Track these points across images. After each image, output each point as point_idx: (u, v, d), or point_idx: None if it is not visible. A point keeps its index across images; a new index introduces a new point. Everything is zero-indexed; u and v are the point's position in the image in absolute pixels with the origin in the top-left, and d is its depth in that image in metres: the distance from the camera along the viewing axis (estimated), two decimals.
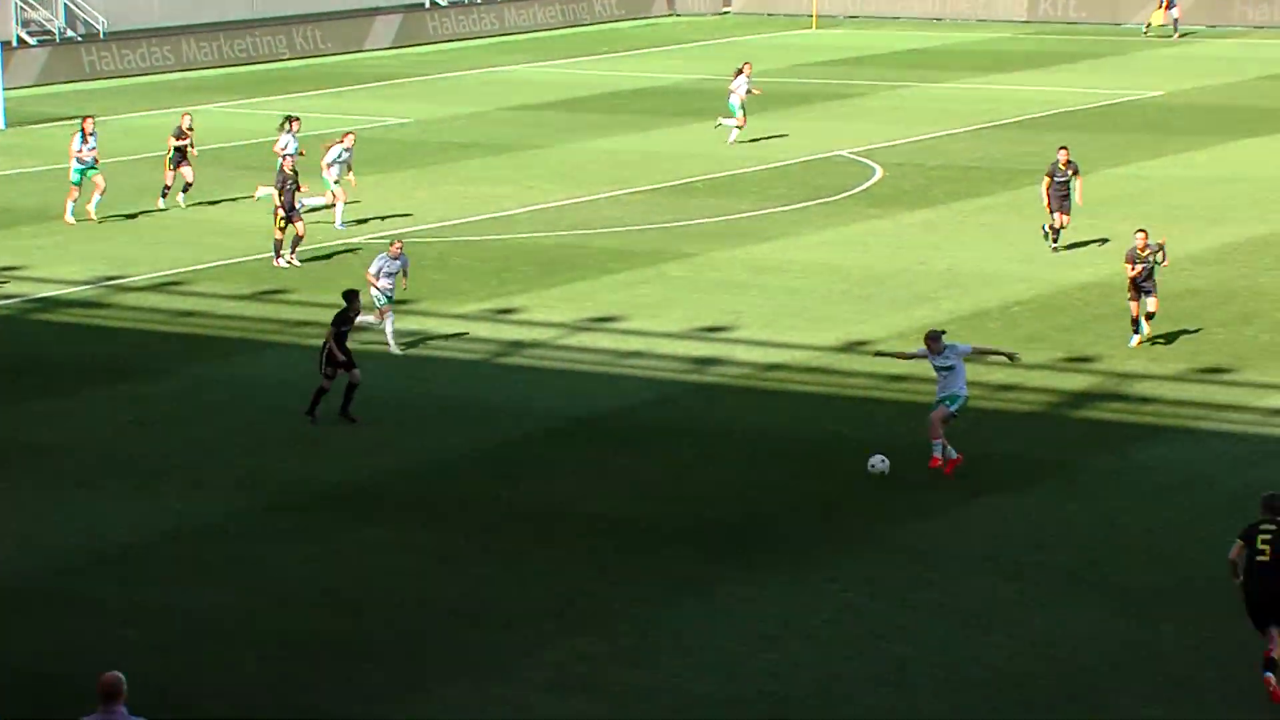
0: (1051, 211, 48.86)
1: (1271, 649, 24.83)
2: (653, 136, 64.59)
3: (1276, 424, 36.90)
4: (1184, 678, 26.24)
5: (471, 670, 26.78)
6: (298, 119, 54.42)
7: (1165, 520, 32.14)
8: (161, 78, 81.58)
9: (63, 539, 31.91)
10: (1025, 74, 78.63)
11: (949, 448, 32.81)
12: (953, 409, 33.01)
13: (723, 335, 42.39)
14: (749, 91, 61.09)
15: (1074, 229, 50.92)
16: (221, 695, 25.83)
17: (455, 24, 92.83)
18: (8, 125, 65.78)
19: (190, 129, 56.15)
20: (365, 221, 53.41)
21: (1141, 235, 40.78)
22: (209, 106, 74.18)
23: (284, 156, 50.29)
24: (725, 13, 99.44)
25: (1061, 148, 49.47)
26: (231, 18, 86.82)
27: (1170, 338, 41.46)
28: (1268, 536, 24.80)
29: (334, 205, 52.98)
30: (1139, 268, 40.27)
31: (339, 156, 52.80)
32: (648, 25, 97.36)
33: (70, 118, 66.03)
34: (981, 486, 33.07)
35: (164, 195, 54.95)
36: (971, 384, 35.72)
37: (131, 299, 46.17)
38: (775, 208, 54.62)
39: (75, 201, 53.60)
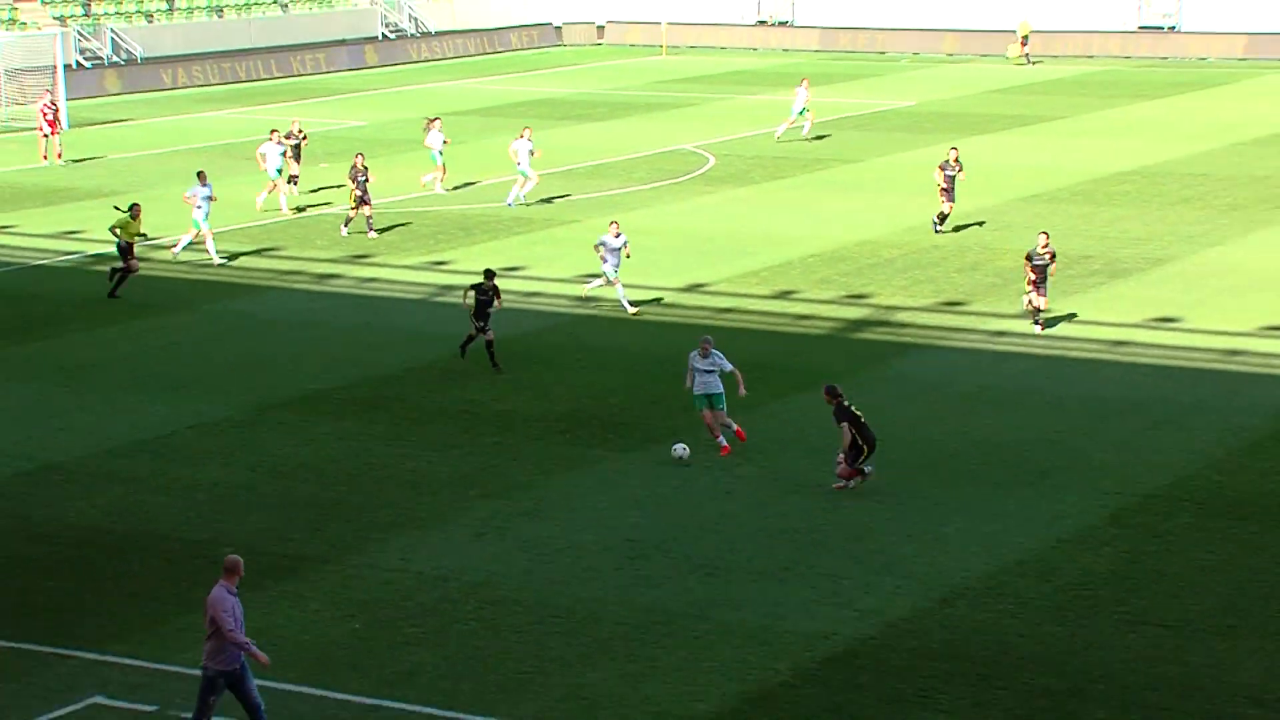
0: (943, 200, 46.65)
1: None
2: (547, 135, 64.60)
3: (997, 342, 37.27)
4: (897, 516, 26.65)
5: (414, 524, 27.11)
6: (437, 119, 54.84)
7: (919, 410, 32.62)
8: (183, 92, 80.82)
9: (112, 430, 32.03)
10: (820, 88, 78.66)
11: (731, 427, 30.12)
12: (720, 408, 29.90)
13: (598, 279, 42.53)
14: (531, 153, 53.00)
15: (860, 203, 51.25)
16: (231, 543, 26.06)
17: (397, 52, 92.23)
18: (70, 126, 65.14)
19: (301, 131, 53.19)
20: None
21: (1043, 236, 37.67)
22: (218, 113, 73.79)
23: (356, 155, 48.26)
24: (599, 44, 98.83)
25: (953, 147, 48.03)
26: (234, 47, 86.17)
27: (921, 279, 41.89)
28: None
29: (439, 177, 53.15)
30: (1035, 265, 37.22)
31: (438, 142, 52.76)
32: (541, 53, 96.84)
33: (115, 121, 65.70)
34: (789, 389, 33.33)
35: (292, 183, 52.13)
36: (779, 314, 36.06)
37: (164, 254, 45.99)
38: (636, 187, 54.78)
39: (270, 194, 51.33)
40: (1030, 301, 37.31)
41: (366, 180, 47.09)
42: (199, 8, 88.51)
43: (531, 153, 51.00)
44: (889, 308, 39.79)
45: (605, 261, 38.83)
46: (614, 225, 39.20)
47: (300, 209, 51.14)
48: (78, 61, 79.07)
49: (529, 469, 29.52)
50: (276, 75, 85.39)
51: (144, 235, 43.38)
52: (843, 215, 49.85)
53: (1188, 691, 21.36)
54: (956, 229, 47.21)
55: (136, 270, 41.33)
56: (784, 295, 40.90)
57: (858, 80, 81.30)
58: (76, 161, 59.51)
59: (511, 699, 21.33)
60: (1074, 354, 35.96)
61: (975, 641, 22.78)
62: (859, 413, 27.80)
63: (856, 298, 40.37)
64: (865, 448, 27.70)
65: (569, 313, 40.06)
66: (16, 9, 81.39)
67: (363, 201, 47.05)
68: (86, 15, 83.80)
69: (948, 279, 42.21)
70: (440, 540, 26.36)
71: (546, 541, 26.26)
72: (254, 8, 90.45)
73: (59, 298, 41.86)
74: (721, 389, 29.75)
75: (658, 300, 40.51)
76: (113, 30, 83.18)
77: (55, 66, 70.13)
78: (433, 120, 53.88)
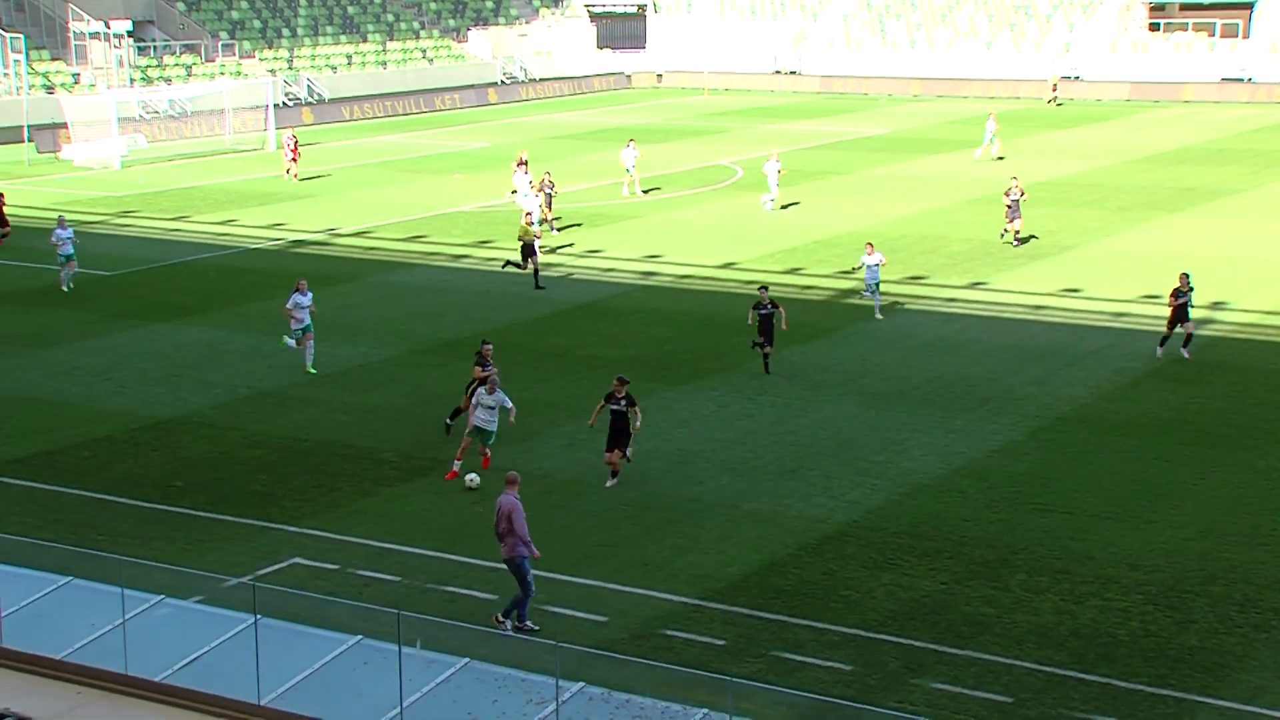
0: (1008, 220, 42.45)
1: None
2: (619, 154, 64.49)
3: (948, 306, 36.99)
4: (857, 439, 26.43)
5: (522, 437, 26.99)
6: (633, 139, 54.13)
7: (891, 355, 32.50)
8: (357, 123, 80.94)
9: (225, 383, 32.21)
10: (820, 119, 78.31)
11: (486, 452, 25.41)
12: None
13: (658, 259, 42.49)
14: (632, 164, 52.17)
15: (849, 204, 50.89)
16: (392, 449, 26.20)
17: (511, 93, 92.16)
18: (276, 148, 65.39)
19: (552, 182, 46.23)
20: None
21: (1015, 181, 40.86)
22: (384, 137, 73.87)
23: (546, 172, 45.63)
24: (659, 87, 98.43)
25: (1013, 177, 43.69)
26: (394, 90, 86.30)
27: (893, 260, 41.66)
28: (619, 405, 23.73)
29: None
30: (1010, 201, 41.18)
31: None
32: (616, 93, 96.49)
33: (310, 144, 65.73)
34: (796, 340, 33.01)
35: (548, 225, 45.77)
36: (790, 285, 35.69)
37: (344, 240, 46.11)
38: (685, 191, 54.50)
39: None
40: (1007, 230, 40.80)
41: (553, 192, 45.50)
42: (370, 61, 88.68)
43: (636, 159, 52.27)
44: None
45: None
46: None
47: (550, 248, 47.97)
48: (283, 101, 79.22)
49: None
50: (424, 110, 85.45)
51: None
52: (836, 212, 49.54)
53: (1082, 559, 21.26)
54: (916, 222, 46.85)
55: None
56: (793, 271, 40.73)
57: (847, 114, 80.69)
58: (307, 179, 58.66)
59: (592, 564, 21.41)
60: (1005, 315, 35.74)
61: (930, 524, 22.71)
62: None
63: (846, 273, 40.11)
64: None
65: (636, 284, 39.93)
66: (241, 64, 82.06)
67: (549, 208, 45.37)
68: (290, 67, 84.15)
69: (912, 259, 41.91)
70: (540, 448, 26.44)
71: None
72: (408, 61, 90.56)
73: (267, 271, 42.05)
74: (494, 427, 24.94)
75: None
76: (308, 78, 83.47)
77: (267, 105, 70.42)
78: (521, 162, 48.08)
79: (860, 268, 35.66)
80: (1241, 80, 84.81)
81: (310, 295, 31.51)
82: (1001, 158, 59.82)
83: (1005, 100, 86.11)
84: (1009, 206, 42.39)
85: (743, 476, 24.90)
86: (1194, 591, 20.16)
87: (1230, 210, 48.93)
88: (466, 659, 16.22)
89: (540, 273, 39.22)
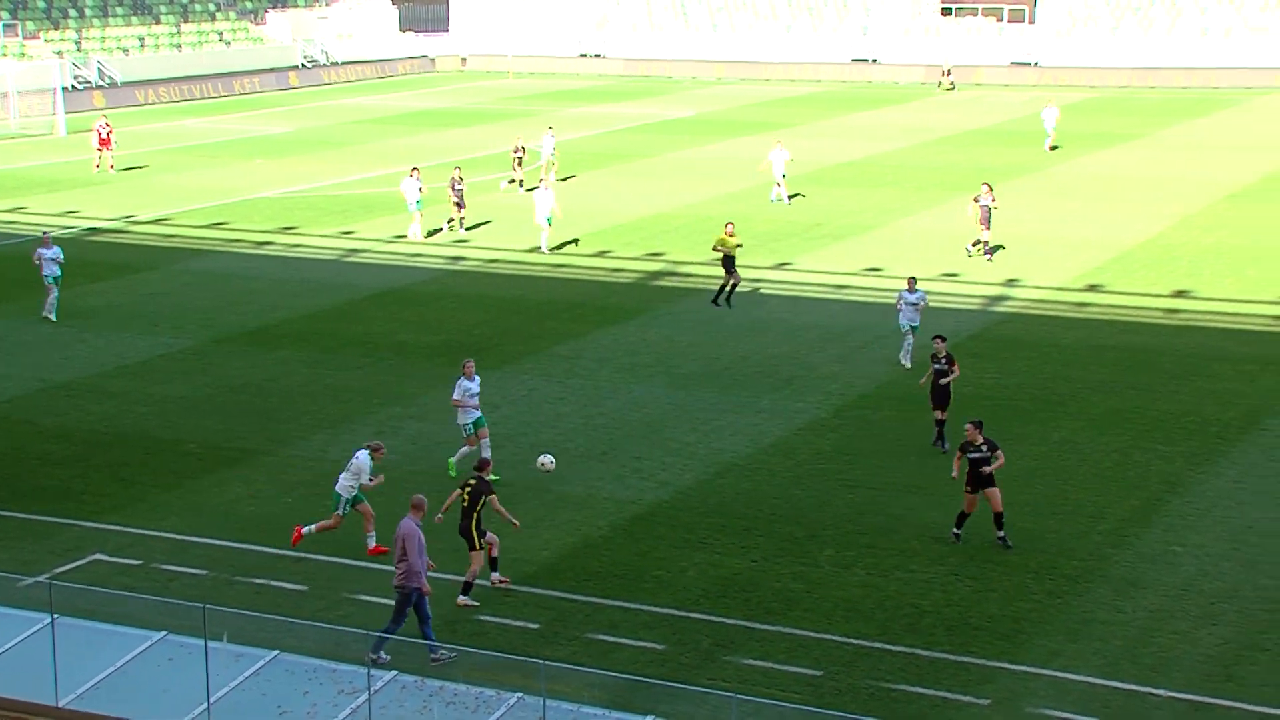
0: (982, 227, 38.65)
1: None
2: (428, 138, 63.86)
3: (758, 287, 37.26)
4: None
5: (331, 425, 26.76)
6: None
7: (701, 336, 32.74)
8: (152, 107, 78.59)
9: (103, 358, 31.28)
10: (624, 103, 78.64)
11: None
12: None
13: (465, 244, 42.04)
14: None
15: (654, 186, 51.08)
16: (195, 440, 25.70)
17: (312, 76, 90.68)
18: (67, 133, 63.20)
19: (462, 179, 43.80)
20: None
21: (987, 187, 38.10)
22: (180, 122, 71.99)
23: (455, 169, 43.83)
24: (463, 70, 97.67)
25: (985, 183, 39.78)
26: (190, 73, 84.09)
27: (700, 242, 41.92)
28: (470, 486, 19.44)
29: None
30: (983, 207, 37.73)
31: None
32: (420, 77, 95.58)
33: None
34: (607, 322, 33.21)
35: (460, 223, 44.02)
36: (599, 268, 35.68)
37: (141, 227, 44.88)
38: (492, 175, 54.00)
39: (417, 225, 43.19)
40: (978, 243, 38.47)
41: (462, 189, 43.39)
42: (164, 44, 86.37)
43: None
44: (677, 262, 39.91)
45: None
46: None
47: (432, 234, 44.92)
48: (72, 84, 76.69)
49: (415, 383, 29.31)
50: (223, 94, 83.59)
51: None
52: (643, 195, 49.81)
53: (888, 533, 21.75)
54: (722, 206, 47.33)
55: None
56: (601, 254, 40.85)
57: (651, 96, 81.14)
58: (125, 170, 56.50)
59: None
60: (809, 295, 36.30)
61: (740, 502, 22.99)
62: None
63: (653, 255, 40.44)
64: None
65: (443, 269, 39.64)
66: (25, 45, 79.22)
67: (460, 206, 43.38)
68: (78, 49, 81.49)
69: (786, 243, 42.24)
70: (350, 436, 26.08)
71: (429, 435, 26.09)
72: (204, 44, 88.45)
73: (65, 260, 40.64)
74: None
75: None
76: (99, 61, 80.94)
77: (55, 88, 68.13)
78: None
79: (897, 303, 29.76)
80: (1029, 64, 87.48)
81: (58, 250, 33.61)
82: (1056, 147, 58.10)
83: (806, 83, 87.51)
84: (983, 213, 38.30)
85: (558, 460, 24.83)
86: (993, 561, 20.77)
87: (1022, 189, 50.44)
88: (276, 651, 15.97)
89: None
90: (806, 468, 24.50)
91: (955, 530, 21.35)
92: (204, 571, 20.40)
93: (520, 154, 50.04)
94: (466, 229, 43.58)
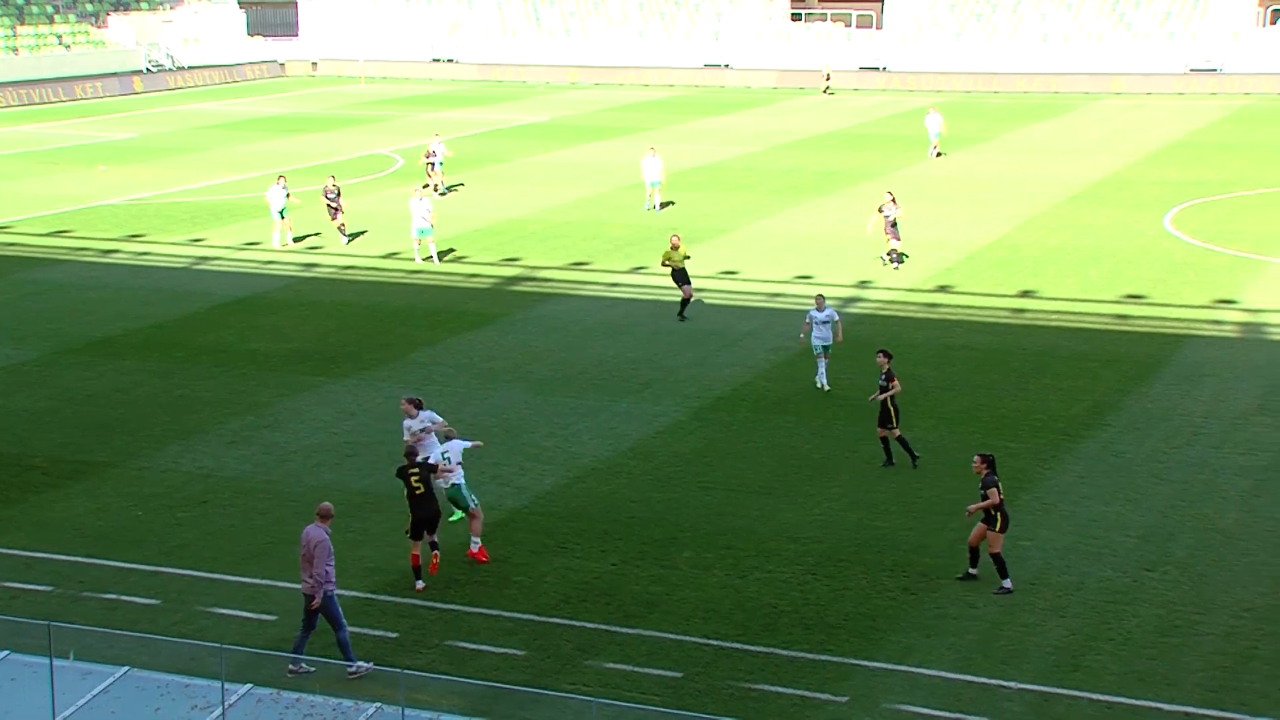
0: (889, 238, 38.57)
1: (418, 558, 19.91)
2: (278, 144, 63.12)
3: (611, 291, 37.47)
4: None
5: (182, 436, 26.42)
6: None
7: (557, 341, 32.66)
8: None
9: None
10: (478, 108, 78.29)
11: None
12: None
13: (318, 250, 41.54)
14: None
15: (510, 192, 50.79)
16: (38, 454, 25.04)
17: (158, 81, 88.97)
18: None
19: (336, 187, 42.71)
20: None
21: (889, 194, 38.16)
22: (17, 128, 70.07)
23: (329, 177, 43.01)
24: (314, 75, 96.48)
25: (888, 191, 40.28)
26: (28, 77, 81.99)
27: (556, 246, 42.00)
28: (416, 475, 19.74)
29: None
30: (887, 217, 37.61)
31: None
32: (268, 82, 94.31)
33: None
34: (463, 329, 33.03)
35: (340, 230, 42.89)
36: (453, 274, 35.51)
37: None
38: (345, 181, 53.36)
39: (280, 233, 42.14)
40: (889, 255, 38.28)
41: (338, 196, 42.21)
42: None
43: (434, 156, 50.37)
44: (534, 267, 39.83)
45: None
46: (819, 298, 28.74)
47: (299, 240, 43.62)
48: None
49: (269, 392, 28.91)
50: (63, 99, 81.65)
51: None
52: (498, 201, 49.66)
53: (746, 534, 21.91)
54: (580, 210, 47.37)
55: None
56: (457, 259, 40.64)
57: (505, 101, 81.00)
58: None
59: (258, 562, 20.90)
60: (665, 299, 36.44)
61: (599, 506, 23.01)
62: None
63: (510, 260, 40.33)
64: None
65: (297, 276, 39.12)
66: None
67: (336, 213, 42.16)
68: None
69: (575, 245, 42.38)
70: (202, 447, 25.66)
71: (283, 445, 25.75)
72: (43, 47, 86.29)
73: None
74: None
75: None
76: None
77: None
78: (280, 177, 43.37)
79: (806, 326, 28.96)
80: (877, 69, 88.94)
81: None
82: (941, 154, 58.22)
83: (659, 88, 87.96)
84: (886, 223, 38.22)
85: None
86: (849, 560, 21.04)
87: (872, 192, 51.17)
88: (126, 667, 15.63)
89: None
90: (665, 470, 24.61)
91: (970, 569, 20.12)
92: (50, 588, 19.89)
93: (431, 158, 49.90)
94: (349, 236, 42.44)
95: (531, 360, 31.09)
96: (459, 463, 20.91)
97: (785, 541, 21.61)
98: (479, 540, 20.79)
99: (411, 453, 20.47)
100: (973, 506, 19.99)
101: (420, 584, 19.89)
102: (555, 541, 21.56)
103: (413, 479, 19.75)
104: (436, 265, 39.23)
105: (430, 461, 20.60)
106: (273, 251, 41.50)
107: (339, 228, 42.46)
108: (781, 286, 37.72)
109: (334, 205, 42.32)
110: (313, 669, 17.16)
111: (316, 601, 17.29)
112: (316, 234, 43.34)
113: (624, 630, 18.82)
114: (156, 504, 23.10)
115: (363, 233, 43.42)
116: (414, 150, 58.35)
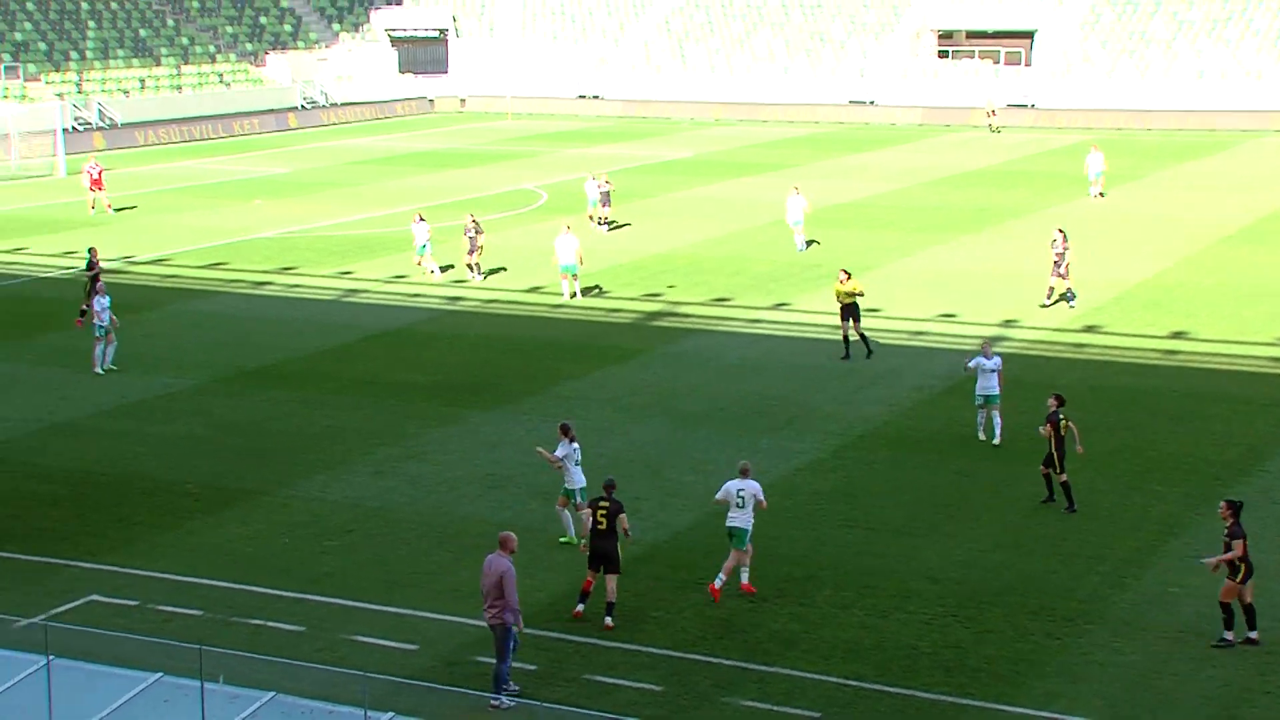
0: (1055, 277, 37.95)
1: (589, 585, 20.08)
2: (427, 179, 64.20)
3: (753, 327, 37.45)
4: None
5: (329, 465, 26.85)
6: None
7: (699, 377, 32.79)
8: (152, 148, 78.94)
9: (102, 398, 31.27)
10: (623, 144, 78.82)
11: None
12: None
13: (463, 284, 42.18)
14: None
15: (654, 227, 51.15)
16: (193, 480, 25.65)
17: (312, 118, 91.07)
18: (67, 174, 63.27)
19: (476, 224, 42.50)
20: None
21: (1060, 234, 37.61)
22: (180, 163, 72.16)
23: (468, 214, 43.14)
24: (462, 112, 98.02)
25: (1059, 229, 39.45)
26: (190, 114, 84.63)
27: (699, 281, 42.15)
28: (603, 510, 19.89)
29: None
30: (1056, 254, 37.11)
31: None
32: (419, 118, 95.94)
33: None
34: (605, 363, 33.40)
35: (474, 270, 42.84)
36: (595, 308, 35.77)
37: (141, 266, 44.93)
38: (491, 216, 54.04)
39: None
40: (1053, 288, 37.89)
41: (477, 233, 42.24)
42: (164, 85, 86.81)
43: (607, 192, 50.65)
44: (676, 302, 39.92)
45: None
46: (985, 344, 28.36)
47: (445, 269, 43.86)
48: (72, 126, 77.06)
49: (415, 423, 29.31)
50: (222, 135, 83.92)
51: None
52: (641, 236, 49.92)
53: (886, 574, 21.70)
54: (722, 245, 47.42)
55: None
56: (600, 294, 40.90)
57: (650, 138, 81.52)
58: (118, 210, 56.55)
59: (402, 592, 21.18)
60: (806, 334, 36.34)
61: None
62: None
63: (652, 295, 40.50)
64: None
65: (442, 309, 39.71)
66: (26, 87, 79.65)
67: (473, 251, 42.23)
68: (79, 91, 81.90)
69: (718, 281, 42.42)
70: (348, 477, 26.10)
71: (427, 476, 26.08)
72: (204, 85, 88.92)
73: (59, 301, 40.83)
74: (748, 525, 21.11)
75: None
76: (99, 103, 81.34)
77: (56, 129, 68.42)
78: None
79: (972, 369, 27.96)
80: (1025, 105, 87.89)
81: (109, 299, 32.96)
82: (1103, 194, 56.67)
83: (804, 124, 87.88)
84: (1059, 262, 37.99)
85: (552, 500, 24.81)
86: (990, 602, 20.73)
87: (1019, 230, 50.57)
88: (273, 692, 15.93)
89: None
90: (805, 508, 24.48)
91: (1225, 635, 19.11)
92: (200, 612, 20.36)
93: (607, 186, 50.20)
94: (484, 274, 42.77)
95: (673, 395, 31.16)
96: (757, 503, 20.69)
97: (926, 582, 21.36)
98: (743, 576, 20.80)
99: (609, 485, 20.29)
100: (1213, 559, 19.38)
101: (579, 608, 19.97)
102: (694, 577, 21.55)
103: (599, 513, 19.86)
104: (578, 301, 39.49)
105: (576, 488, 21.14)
106: (418, 285, 42.15)
107: (471, 265, 42.47)
108: (925, 324, 37.37)
109: (473, 241, 42.41)
110: (513, 704, 17.34)
111: (520, 628, 17.63)
112: (452, 265, 43.85)
113: (762, 668, 18.74)
114: (303, 532, 23.55)
115: (501, 269, 43.86)
116: (560, 185, 59.00)
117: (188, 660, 15.88)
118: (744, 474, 21.05)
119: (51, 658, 15.93)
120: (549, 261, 41.16)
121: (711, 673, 18.64)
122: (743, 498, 20.79)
